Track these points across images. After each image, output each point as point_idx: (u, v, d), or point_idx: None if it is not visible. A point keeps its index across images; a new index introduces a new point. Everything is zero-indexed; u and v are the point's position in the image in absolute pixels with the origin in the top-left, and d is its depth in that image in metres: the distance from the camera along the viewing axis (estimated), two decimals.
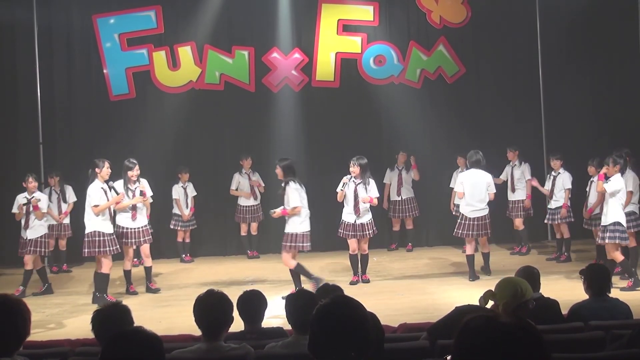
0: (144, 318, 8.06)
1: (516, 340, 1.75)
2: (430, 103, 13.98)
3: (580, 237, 12.28)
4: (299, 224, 10.06)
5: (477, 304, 5.05)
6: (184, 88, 13.70)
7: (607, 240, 9.73)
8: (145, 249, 10.70)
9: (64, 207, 12.44)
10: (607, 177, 9.74)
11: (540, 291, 5.78)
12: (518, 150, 12.73)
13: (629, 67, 13.59)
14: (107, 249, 9.88)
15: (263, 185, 13.51)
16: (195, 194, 13.27)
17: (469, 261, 10.89)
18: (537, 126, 14.11)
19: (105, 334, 4.38)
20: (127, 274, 10.66)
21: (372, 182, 10.66)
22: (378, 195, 10.77)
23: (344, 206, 10.77)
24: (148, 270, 10.81)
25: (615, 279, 9.71)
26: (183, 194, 13.11)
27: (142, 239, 10.56)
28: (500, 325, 1.79)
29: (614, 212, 9.68)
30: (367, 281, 10.81)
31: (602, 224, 9.87)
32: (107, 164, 10.03)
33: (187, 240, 13.37)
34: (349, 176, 10.64)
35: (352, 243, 10.76)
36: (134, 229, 10.51)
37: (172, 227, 13.19)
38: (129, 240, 10.49)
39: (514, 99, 14.07)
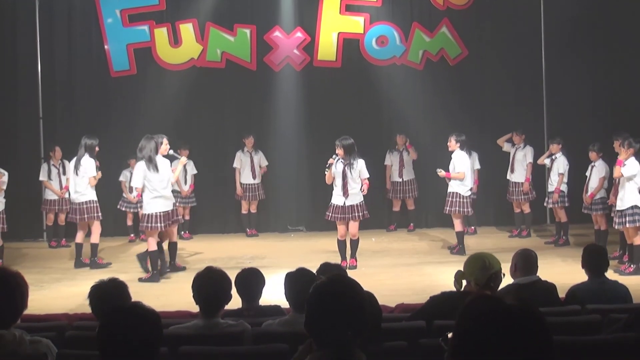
0: (142, 294, 8.06)
1: (519, 322, 1.73)
2: (432, 85, 13.93)
3: (579, 221, 12.29)
4: (146, 205, 10.05)
5: (453, 289, 5.12)
6: (185, 65, 13.64)
7: (627, 225, 9.69)
8: (96, 225, 10.92)
9: (64, 182, 12.41)
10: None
11: (538, 274, 5.79)
12: (524, 135, 12.73)
13: (631, 52, 13.51)
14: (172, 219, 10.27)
15: (266, 164, 13.48)
16: (195, 172, 13.25)
17: (462, 237, 11.49)
18: (538, 110, 14.08)
19: (103, 309, 4.40)
20: (79, 246, 10.96)
21: (360, 162, 10.27)
22: (368, 175, 10.33)
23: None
24: (94, 246, 10.97)
25: (614, 263, 9.78)
26: (182, 171, 13.05)
27: (93, 215, 10.84)
28: (502, 308, 1.76)
29: (630, 196, 9.64)
30: (354, 267, 10.28)
31: (618, 208, 9.81)
32: (165, 140, 10.23)
33: (187, 217, 13.36)
34: (335, 157, 10.34)
35: (341, 228, 10.43)
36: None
37: None
38: (78, 217, 10.83)
39: (516, 82, 14.01)
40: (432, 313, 4.81)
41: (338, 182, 10.30)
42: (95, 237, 10.96)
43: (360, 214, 10.33)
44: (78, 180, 10.82)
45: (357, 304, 2.82)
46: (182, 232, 13.27)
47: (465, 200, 11.38)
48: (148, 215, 9.96)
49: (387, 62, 13.93)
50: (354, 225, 10.38)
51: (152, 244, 9.99)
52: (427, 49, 13.97)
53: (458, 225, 11.48)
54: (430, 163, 13.35)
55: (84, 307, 4.82)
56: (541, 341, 1.73)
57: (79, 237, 11.01)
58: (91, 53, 13.58)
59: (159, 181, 9.92)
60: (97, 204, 10.94)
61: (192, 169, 13.21)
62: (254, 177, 13.37)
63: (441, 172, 11.38)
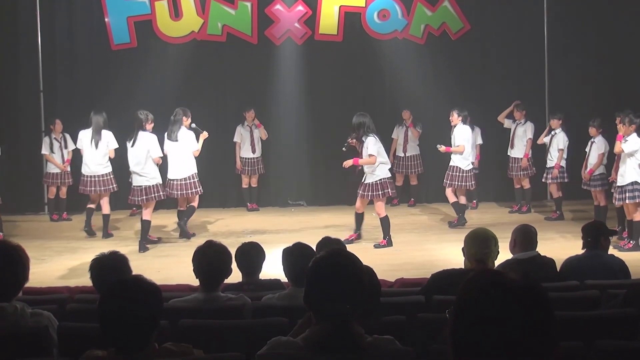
0: (143, 267, 8.10)
1: (521, 297, 1.71)
2: (433, 59, 13.87)
3: (578, 197, 12.30)
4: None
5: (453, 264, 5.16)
6: (186, 39, 13.57)
7: (627, 201, 9.70)
8: (107, 197, 11.20)
9: (66, 155, 12.43)
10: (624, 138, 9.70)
11: (537, 250, 5.81)
12: (525, 110, 12.70)
13: (635, 27, 13.44)
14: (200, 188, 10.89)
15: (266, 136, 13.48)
16: None
17: (463, 209, 11.61)
18: (540, 85, 14.03)
19: (104, 282, 4.42)
20: (90, 211, 11.25)
21: (368, 139, 9.96)
22: (370, 152, 9.91)
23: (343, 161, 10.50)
24: (107, 217, 11.19)
25: (613, 239, 9.82)
26: None
27: (111, 187, 11.11)
28: (505, 282, 1.76)
29: (631, 172, 9.64)
30: (382, 246, 10.19)
31: (618, 184, 9.82)
32: (189, 113, 10.74)
33: None
34: (353, 135, 10.21)
35: (357, 201, 10.33)
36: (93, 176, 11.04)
37: None
38: (94, 188, 11.05)
39: (518, 57, 13.95)
40: (435, 290, 4.82)
41: None
42: (107, 209, 11.15)
43: (378, 192, 10.04)
44: (96, 153, 10.93)
45: (355, 278, 2.84)
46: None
47: (466, 174, 11.47)
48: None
49: (388, 36, 13.87)
50: (377, 205, 10.19)
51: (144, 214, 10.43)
52: (429, 23, 13.90)
53: (452, 196, 11.60)
54: (431, 137, 13.35)
55: (86, 279, 4.84)
56: (543, 317, 1.72)
57: (92, 204, 11.22)
58: (92, 26, 13.51)
59: (132, 157, 10.28)
60: (113, 176, 11.18)
61: None
62: (254, 152, 13.38)
63: (441, 148, 11.41)
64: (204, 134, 10.83)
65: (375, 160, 9.98)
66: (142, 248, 10.18)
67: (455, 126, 11.54)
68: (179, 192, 10.73)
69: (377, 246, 10.22)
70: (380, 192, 10.08)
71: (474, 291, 1.76)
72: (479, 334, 1.70)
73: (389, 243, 10.26)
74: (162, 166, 10.70)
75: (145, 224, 10.32)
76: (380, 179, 10.07)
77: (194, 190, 10.79)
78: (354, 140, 10.17)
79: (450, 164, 11.54)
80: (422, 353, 3.46)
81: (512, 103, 12.85)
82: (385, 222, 10.29)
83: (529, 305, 1.72)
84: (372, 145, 9.95)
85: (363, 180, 10.20)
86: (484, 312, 1.71)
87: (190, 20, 13.55)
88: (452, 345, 1.74)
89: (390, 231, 10.32)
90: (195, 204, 11.00)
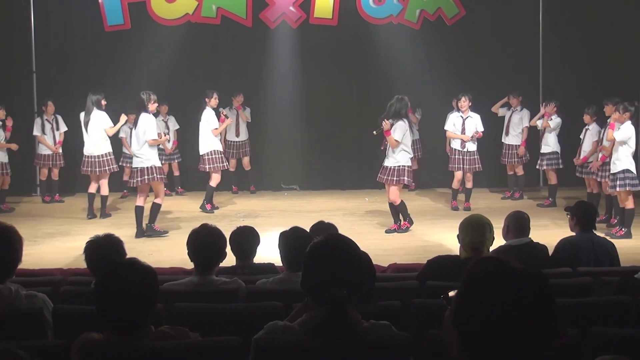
0: (136, 250, 8.11)
1: (524, 284, 1.71)
2: (428, 45, 13.80)
3: (571, 184, 12.32)
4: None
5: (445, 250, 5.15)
6: (180, 21, 13.49)
7: (618, 189, 9.77)
8: (106, 178, 11.33)
9: (58, 137, 12.39)
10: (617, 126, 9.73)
11: (530, 236, 5.82)
12: (522, 97, 12.69)
13: (629, 16, 13.42)
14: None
15: (248, 119, 13.41)
16: (177, 127, 13.23)
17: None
18: (534, 72, 14.02)
19: (98, 264, 4.42)
20: (91, 196, 11.36)
21: (398, 123, 9.80)
22: (396, 138, 9.76)
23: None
24: (105, 198, 11.35)
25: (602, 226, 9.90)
26: (164, 127, 12.82)
27: (111, 167, 11.27)
28: (510, 271, 1.75)
29: (623, 160, 9.69)
30: (392, 231, 10.18)
31: (611, 171, 9.90)
32: (212, 94, 11.59)
33: (176, 173, 13.41)
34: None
35: (386, 189, 10.23)
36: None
37: None
38: (84, 169, 11.24)
39: (513, 43, 13.92)
40: (431, 276, 4.81)
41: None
42: (105, 190, 11.28)
43: (395, 178, 9.90)
44: (87, 134, 11.08)
45: (353, 263, 2.84)
46: (176, 188, 13.33)
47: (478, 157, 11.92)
48: None
49: (383, 20, 13.81)
50: (391, 190, 10.05)
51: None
52: (424, 8, 13.85)
53: (470, 182, 12.04)
54: (426, 123, 13.37)
55: (79, 261, 4.83)
56: (548, 304, 1.73)
57: (92, 187, 11.31)
58: (85, 7, 13.41)
59: (133, 138, 10.16)
60: (113, 156, 11.31)
61: (174, 125, 13.15)
62: (237, 135, 13.34)
63: (479, 134, 11.71)
64: (229, 120, 11.96)
65: (396, 144, 9.81)
66: (149, 231, 10.06)
67: (463, 111, 11.73)
68: (206, 167, 11.56)
69: (390, 231, 10.22)
70: (395, 178, 9.93)
71: (478, 277, 1.76)
72: (485, 321, 1.70)
73: (406, 226, 10.28)
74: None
75: (155, 207, 10.14)
76: (399, 165, 9.91)
77: (217, 164, 11.56)
78: (387, 121, 9.85)
79: (470, 149, 11.76)
80: (417, 338, 3.46)
81: (506, 94, 12.82)
82: (395, 208, 10.22)
83: (535, 293, 1.72)
84: (399, 130, 9.81)
85: (383, 163, 10.09)
86: (487, 297, 1.71)
87: (185, 3, 13.46)
88: (457, 333, 1.74)
89: (402, 216, 10.28)
90: (213, 183, 11.72)
